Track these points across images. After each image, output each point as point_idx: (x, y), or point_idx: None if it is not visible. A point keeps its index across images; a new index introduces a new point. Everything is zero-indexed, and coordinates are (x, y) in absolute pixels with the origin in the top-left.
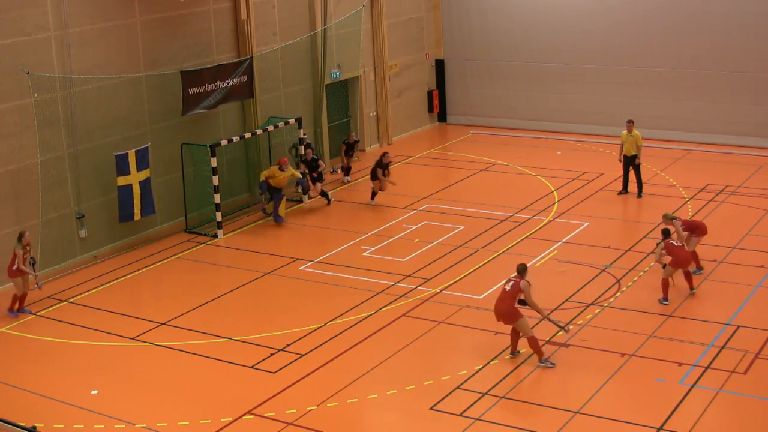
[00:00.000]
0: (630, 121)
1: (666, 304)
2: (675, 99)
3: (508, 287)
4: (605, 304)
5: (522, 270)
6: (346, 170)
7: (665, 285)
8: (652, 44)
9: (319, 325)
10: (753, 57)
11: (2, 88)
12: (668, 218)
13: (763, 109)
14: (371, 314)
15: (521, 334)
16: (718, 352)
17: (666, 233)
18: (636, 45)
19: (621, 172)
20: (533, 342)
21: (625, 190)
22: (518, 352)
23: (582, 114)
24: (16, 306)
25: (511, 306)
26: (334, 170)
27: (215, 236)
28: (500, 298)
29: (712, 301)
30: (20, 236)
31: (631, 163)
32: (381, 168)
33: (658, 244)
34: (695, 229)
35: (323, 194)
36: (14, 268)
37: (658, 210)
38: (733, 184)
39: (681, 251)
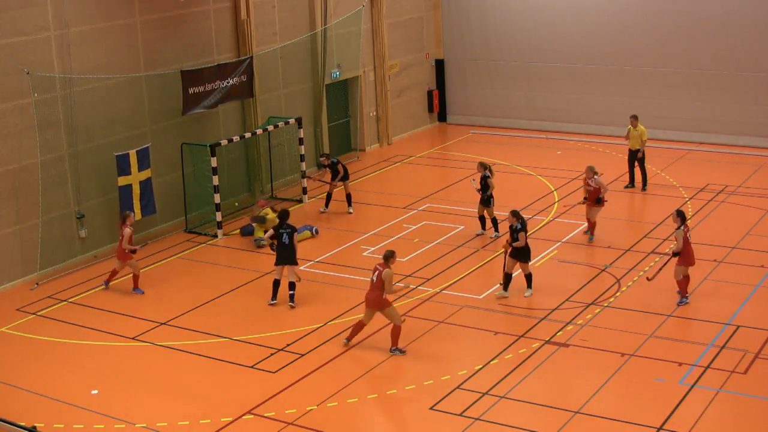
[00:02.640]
0: (634, 116)
1: (687, 303)
2: (675, 99)
3: (374, 278)
4: (605, 304)
5: (386, 257)
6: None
7: (683, 284)
8: (653, 44)
9: (319, 325)
10: (754, 57)
11: (2, 88)
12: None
13: (764, 108)
14: None
15: (390, 322)
16: (718, 352)
17: (683, 217)
18: (637, 45)
19: (625, 168)
20: (397, 330)
21: (631, 183)
22: (349, 341)
23: (582, 114)
24: (134, 284)
25: (379, 296)
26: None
27: (215, 236)
28: (370, 289)
29: (712, 300)
30: (126, 217)
31: (635, 157)
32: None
33: (679, 228)
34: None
35: (348, 198)
36: (126, 250)
37: (658, 210)
38: (733, 184)
39: (690, 247)
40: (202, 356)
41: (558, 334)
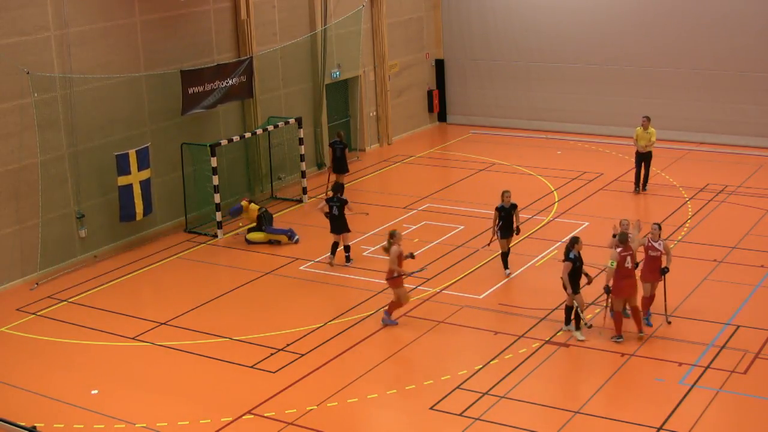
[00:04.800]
0: (646, 117)
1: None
2: (675, 99)
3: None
4: (605, 304)
5: (391, 235)
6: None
7: (645, 303)
8: (653, 45)
9: (320, 325)
10: (754, 57)
11: (2, 88)
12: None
13: (764, 108)
14: (371, 314)
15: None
16: (718, 352)
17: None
18: (637, 45)
19: (628, 170)
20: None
21: (639, 187)
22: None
23: (582, 114)
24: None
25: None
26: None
27: (215, 236)
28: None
29: (711, 300)
30: (393, 234)
31: (644, 159)
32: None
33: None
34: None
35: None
36: (394, 274)
37: (658, 210)
38: (734, 184)
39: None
40: (202, 356)
41: (558, 334)
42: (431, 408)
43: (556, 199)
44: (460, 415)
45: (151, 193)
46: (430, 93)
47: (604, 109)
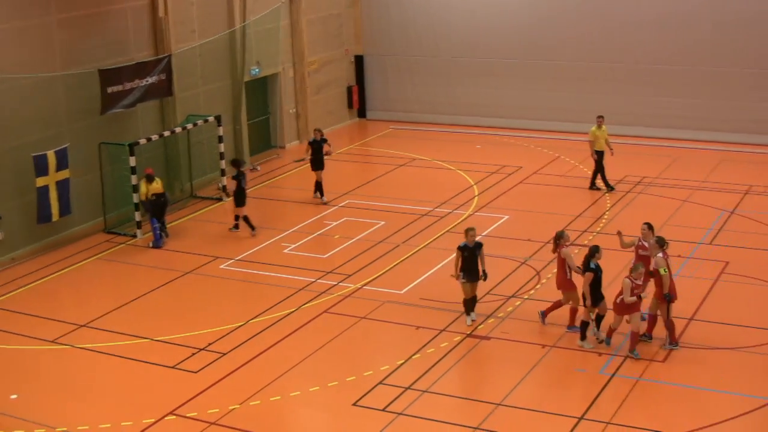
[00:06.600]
0: (601, 117)
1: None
2: (591, 92)
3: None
4: (525, 296)
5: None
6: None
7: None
8: (566, 39)
9: (241, 324)
10: (661, 49)
11: None
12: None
13: (675, 101)
14: (293, 311)
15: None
16: (638, 342)
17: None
18: (552, 40)
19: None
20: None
21: (610, 187)
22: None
23: (501, 108)
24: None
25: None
26: (254, 167)
27: (134, 236)
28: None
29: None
30: (560, 237)
31: (602, 157)
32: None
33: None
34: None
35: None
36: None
37: (577, 202)
38: (651, 176)
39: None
40: (123, 357)
41: (479, 327)
42: (354, 404)
43: (476, 193)
44: (383, 410)
45: (69, 193)
46: (349, 89)
47: (523, 103)
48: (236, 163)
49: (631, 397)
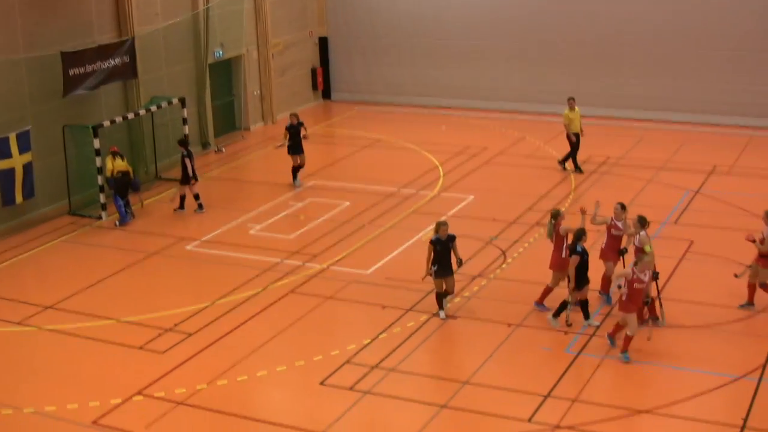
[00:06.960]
0: (572, 99)
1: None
2: (557, 73)
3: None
4: (491, 276)
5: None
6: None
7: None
8: (533, 19)
9: (207, 304)
10: (626, 30)
11: None
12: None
13: (630, 81)
14: (259, 292)
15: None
16: (603, 320)
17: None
18: (518, 21)
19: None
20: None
21: (579, 169)
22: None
23: (466, 89)
24: None
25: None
26: (219, 149)
27: (99, 218)
28: None
29: (596, 272)
30: (557, 215)
31: (578, 139)
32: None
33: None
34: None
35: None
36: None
37: (542, 183)
38: (615, 156)
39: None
40: (90, 339)
41: (446, 306)
42: (321, 383)
43: (441, 174)
44: (351, 389)
45: (33, 176)
46: (314, 71)
47: (488, 84)
48: (183, 142)
49: (596, 375)
